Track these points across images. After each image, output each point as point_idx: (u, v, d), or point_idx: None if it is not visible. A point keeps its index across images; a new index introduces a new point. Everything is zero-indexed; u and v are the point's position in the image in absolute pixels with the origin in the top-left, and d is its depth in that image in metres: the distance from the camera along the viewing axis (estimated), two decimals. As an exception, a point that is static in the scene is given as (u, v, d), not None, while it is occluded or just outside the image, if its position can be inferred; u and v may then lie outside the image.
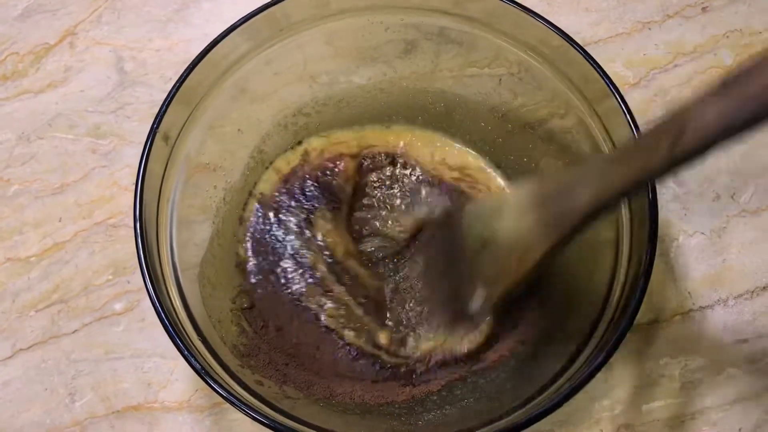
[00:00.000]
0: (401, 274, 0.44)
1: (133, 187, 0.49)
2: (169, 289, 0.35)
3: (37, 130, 0.51)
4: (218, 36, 0.39)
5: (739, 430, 0.41)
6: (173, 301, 0.34)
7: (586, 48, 0.53)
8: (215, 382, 0.31)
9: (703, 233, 0.47)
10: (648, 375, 0.43)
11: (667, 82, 0.51)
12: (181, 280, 0.36)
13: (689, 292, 0.45)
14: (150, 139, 0.36)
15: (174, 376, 0.43)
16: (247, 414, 0.30)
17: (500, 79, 0.44)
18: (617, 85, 0.51)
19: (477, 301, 0.39)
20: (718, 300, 0.45)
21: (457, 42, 0.43)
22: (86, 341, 0.44)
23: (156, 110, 0.51)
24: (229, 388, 0.31)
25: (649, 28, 0.54)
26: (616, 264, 0.36)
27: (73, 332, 0.45)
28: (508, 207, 0.36)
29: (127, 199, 0.48)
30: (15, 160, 0.50)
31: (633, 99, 0.51)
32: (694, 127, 0.25)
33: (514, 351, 0.40)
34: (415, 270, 0.44)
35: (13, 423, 0.42)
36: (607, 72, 0.52)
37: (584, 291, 0.38)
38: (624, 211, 0.37)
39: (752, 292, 0.45)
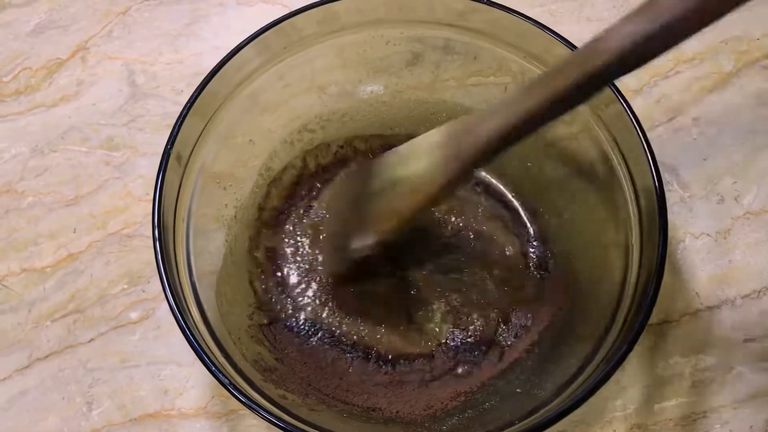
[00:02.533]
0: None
1: (147, 197, 0.50)
2: (190, 308, 0.35)
3: (51, 143, 0.51)
4: (231, 51, 0.39)
5: (750, 427, 0.42)
6: (195, 319, 0.34)
7: (588, 56, 0.55)
8: (244, 395, 0.31)
9: (708, 235, 0.48)
10: (659, 375, 0.43)
11: (669, 89, 0.53)
12: (201, 298, 0.36)
13: (697, 293, 0.46)
14: (165, 157, 0.36)
15: (190, 383, 0.43)
16: (276, 425, 0.31)
17: (506, 87, 0.45)
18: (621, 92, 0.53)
19: (363, 239, 0.39)
20: (726, 300, 0.45)
21: (461, 53, 0.44)
22: (102, 350, 0.45)
23: (168, 122, 0.52)
24: (256, 401, 0.31)
25: (650, 36, 0.55)
26: (627, 267, 0.37)
27: (90, 341, 0.45)
28: (418, 150, 0.36)
29: (141, 210, 0.49)
30: (29, 173, 0.50)
31: (636, 105, 0.51)
32: (607, 47, 0.25)
33: (530, 353, 0.40)
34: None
35: (31, 432, 0.43)
36: (610, 79, 0.54)
37: (596, 293, 0.39)
38: (633, 216, 0.37)
39: (759, 291, 0.46)
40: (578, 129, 0.42)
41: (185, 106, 0.38)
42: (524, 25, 0.40)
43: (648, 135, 0.51)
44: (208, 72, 0.39)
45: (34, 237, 0.48)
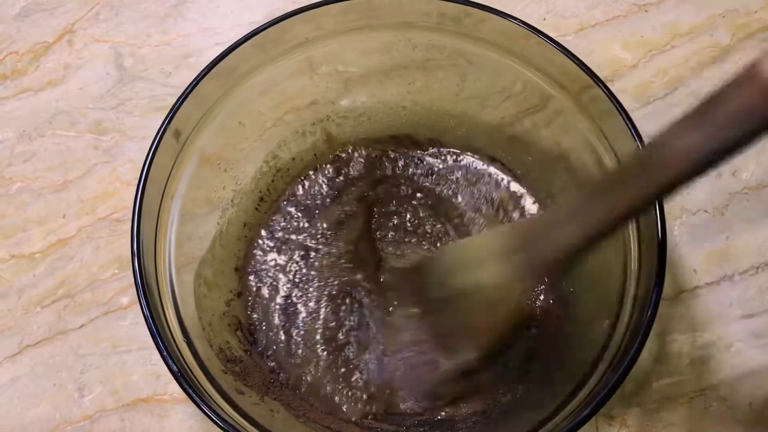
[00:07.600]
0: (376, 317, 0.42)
1: (136, 181, 0.49)
2: (161, 286, 0.34)
3: (38, 128, 0.51)
4: (240, 39, 0.38)
5: (750, 404, 0.41)
6: (162, 298, 0.34)
7: (583, 31, 0.54)
8: (186, 380, 0.30)
9: (706, 211, 0.47)
10: (657, 352, 0.43)
11: (665, 63, 0.52)
12: (174, 278, 0.35)
13: (694, 270, 0.45)
14: (160, 133, 0.35)
15: (183, 368, 0.43)
16: (210, 419, 0.30)
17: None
18: (616, 67, 0.52)
19: (465, 352, 0.37)
20: (724, 276, 0.45)
21: (479, 67, 0.42)
22: (93, 336, 0.44)
23: (157, 105, 0.51)
24: (200, 392, 0.30)
25: (646, 10, 0.54)
26: (626, 277, 0.35)
27: (80, 327, 0.44)
28: (485, 254, 0.34)
29: (130, 194, 0.47)
30: (17, 159, 0.50)
31: (632, 81, 0.51)
32: (675, 159, 0.25)
33: (524, 371, 0.39)
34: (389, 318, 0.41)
35: (23, 419, 0.42)
36: (606, 54, 0.53)
37: (595, 301, 0.38)
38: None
39: (757, 267, 0.45)
40: (562, 119, 0.40)
41: (187, 87, 0.36)
42: (497, 19, 0.38)
43: (644, 110, 0.50)
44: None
45: (23, 223, 0.48)
